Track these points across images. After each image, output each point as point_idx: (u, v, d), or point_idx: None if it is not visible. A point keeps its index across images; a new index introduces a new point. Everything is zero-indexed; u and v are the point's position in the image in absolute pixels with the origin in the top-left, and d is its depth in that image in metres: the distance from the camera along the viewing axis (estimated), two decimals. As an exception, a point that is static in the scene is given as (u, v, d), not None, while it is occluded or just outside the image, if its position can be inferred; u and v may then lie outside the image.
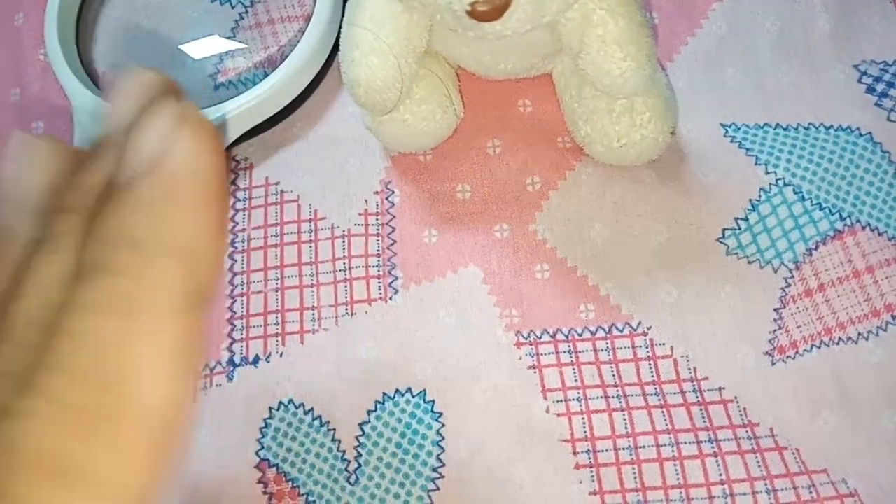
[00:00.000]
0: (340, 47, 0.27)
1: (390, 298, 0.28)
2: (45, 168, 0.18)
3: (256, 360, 0.28)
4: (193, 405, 0.16)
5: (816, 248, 0.28)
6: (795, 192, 0.29)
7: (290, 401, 0.27)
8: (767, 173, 0.29)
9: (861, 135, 0.30)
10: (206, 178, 0.17)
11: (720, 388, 0.26)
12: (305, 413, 0.27)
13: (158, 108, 0.18)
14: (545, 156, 0.30)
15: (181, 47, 0.32)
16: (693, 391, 0.26)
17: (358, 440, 0.27)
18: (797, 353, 0.27)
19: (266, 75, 0.30)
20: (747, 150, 0.30)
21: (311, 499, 0.26)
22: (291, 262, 0.29)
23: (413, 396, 0.27)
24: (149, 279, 0.16)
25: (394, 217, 0.30)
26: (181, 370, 0.15)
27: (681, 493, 0.25)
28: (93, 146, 0.18)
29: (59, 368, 0.15)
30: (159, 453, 0.15)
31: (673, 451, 0.25)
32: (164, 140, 0.18)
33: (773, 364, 0.27)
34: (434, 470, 0.26)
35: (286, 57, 0.30)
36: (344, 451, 0.27)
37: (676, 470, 0.25)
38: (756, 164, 0.29)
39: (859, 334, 0.27)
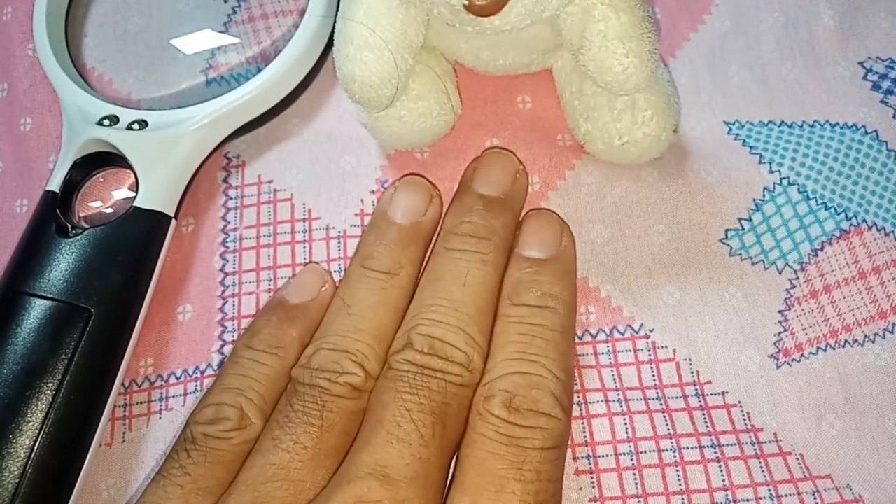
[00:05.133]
0: (335, 42, 0.26)
1: (386, 300, 0.28)
2: None
3: (249, 363, 0.27)
4: None
5: (822, 249, 0.27)
6: (800, 192, 0.28)
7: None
8: (771, 172, 0.29)
9: (867, 132, 0.29)
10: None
11: (723, 393, 0.26)
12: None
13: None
14: (544, 154, 0.29)
15: (172, 42, 0.32)
16: (696, 395, 0.26)
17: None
18: (802, 356, 0.26)
19: (259, 70, 0.29)
20: (751, 147, 0.29)
21: None
22: (285, 263, 0.28)
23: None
24: None
25: (390, 216, 0.29)
26: None
27: (683, 499, 0.24)
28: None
29: None
30: None
31: (675, 456, 0.25)
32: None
33: (778, 367, 0.26)
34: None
35: (280, 52, 0.29)
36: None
37: (678, 476, 0.24)
38: (760, 162, 0.29)
39: (865, 336, 0.26)
